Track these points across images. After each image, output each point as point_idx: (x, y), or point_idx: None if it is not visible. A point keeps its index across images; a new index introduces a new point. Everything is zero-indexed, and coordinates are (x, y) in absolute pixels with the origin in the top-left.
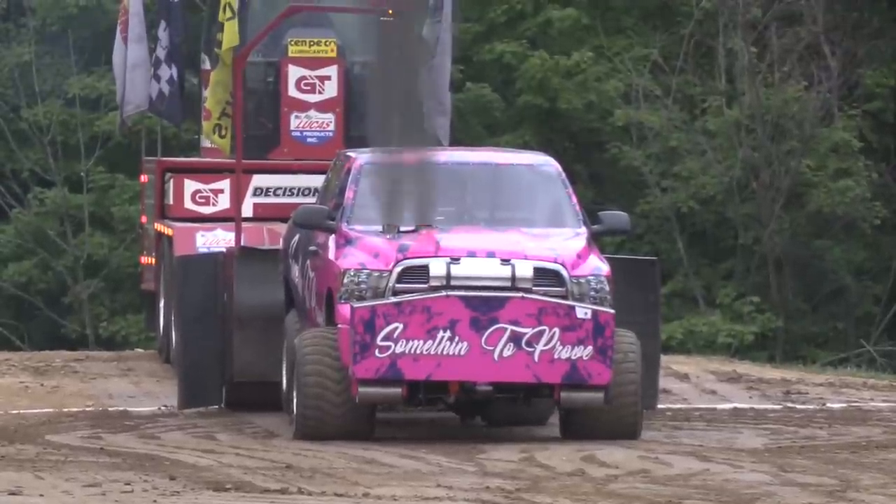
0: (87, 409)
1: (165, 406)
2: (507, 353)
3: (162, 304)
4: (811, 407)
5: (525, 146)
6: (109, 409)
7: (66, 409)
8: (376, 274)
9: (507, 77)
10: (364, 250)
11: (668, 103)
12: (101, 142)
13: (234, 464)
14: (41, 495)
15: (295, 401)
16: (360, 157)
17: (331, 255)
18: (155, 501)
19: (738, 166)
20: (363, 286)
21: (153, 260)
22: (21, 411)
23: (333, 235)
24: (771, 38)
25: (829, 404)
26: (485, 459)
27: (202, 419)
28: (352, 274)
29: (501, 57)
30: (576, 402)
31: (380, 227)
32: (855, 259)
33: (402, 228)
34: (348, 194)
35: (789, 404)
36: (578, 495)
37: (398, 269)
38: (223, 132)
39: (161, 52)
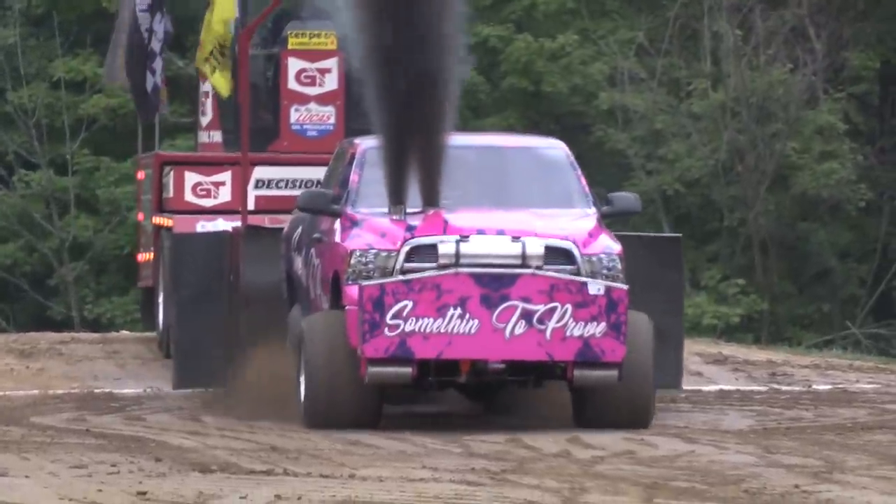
0: (73, 390)
1: (151, 388)
2: (518, 330)
3: (161, 298)
4: (797, 388)
5: (510, 129)
6: (95, 390)
7: (51, 391)
8: (384, 254)
9: (492, 60)
10: (371, 231)
11: (654, 86)
12: (87, 124)
13: (220, 445)
14: (27, 477)
15: (302, 386)
16: (364, 143)
17: (337, 237)
18: (141, 483)
19: (724, 149)
20: (371, 266)
21: (151, 255)
22: (6, 393)
23: (339, 219)
24: (756, 20)
25: (814, 386)
26: (470, 441)
27: (187, 401)
28: (359, 254)
29: (486, 40)
30: (589, 381)
31: (385, 209)
32: (840, 241)
33: (408, 210)
34: (353, 178)
35: (775, 386)
36: (564, 476)
37: (406, 248)
38: (214, 69)
39: (156, 45)
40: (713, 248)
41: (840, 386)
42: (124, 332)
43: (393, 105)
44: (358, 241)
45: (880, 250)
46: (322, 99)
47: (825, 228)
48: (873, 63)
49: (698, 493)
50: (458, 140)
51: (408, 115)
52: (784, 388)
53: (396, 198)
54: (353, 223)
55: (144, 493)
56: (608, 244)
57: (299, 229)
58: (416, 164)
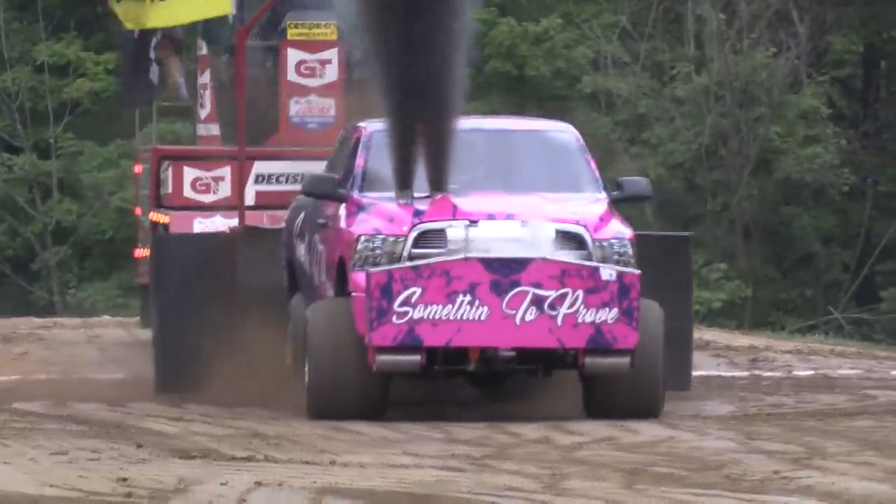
0: (54, 376)
1: (133, 373)
2: (528, 317)
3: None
4: (778, 374)
5: (493, 113)
6: (76, 376)
7: (33, 376)
8: (391, 239)
9: (476, 43)
10: (378, 216)
11: (637, 70)
12: (70, 108)
13: (201, 431)
14: (7, 463)
15: (306, 376)
16: (370, 126)
17: (342, 223)
18: (122, 469)
19: (707, 133)
20: (378, 252)
21: (148, 252)
22: None
23: (344, 204)
24: (740, 4)
25: (796, 371)
26: (451, 427)
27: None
28: (365, 240)
29: None
30: (600, 368)
31: (392, 194)
32: (823, 226)
33: (416, 194)
34: (358, 162)
35: (756, 371)
36: (544, 462)
37: (414, 233)
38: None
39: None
40: (696, 233)
41: (821, 371)
42: (106, 317)
43: (400, 87)
44: (364, 226)
45: (863, 235)
46: (322, 91)
47: (808, 213)
48: (857, 47)
49: (679, 479)
50: (467, 123)
51: (415, 98)
52: (765, 373)
53: (404, 182)
54: (360, 208)
55: (125, 479)
56: (620, 229)
57: (301, 216)
58: (423, 147)
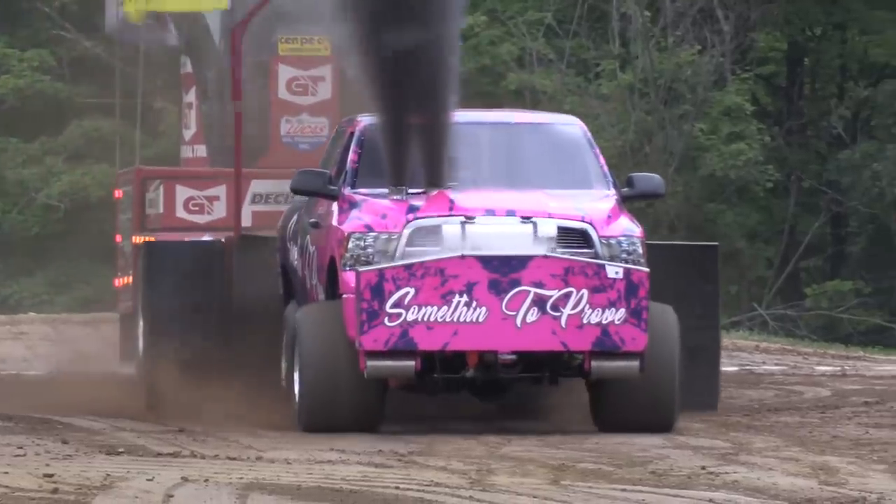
0: None
1: (58, 370)
2: (530, 318)
3: (141, 325)
4: None
5: None
6: (2, 372)
7: None
8: (384, 237)
9: None
10: (370, 212)
11: (562, 67)
12: None
13: (127, 427)
14: None
15: (297, 386)
16: (365, 120)
17: (334, 220)
18: (47, 465)
19: (632, 130)
20: (370, 251)
21: (130, 279)
22: None
23: (336, 202)
24: (664, 1)
25: (721, 367)
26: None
27: (94, 384)
28: (357, 237)
29: None
30: (608, 372)
31: (386, 190)
32: (748, 222)
33: (410, 190)
34: (351, 157)
35: None
36: (472, 458)
37: (408, 230)
38: None
39: None
40: None
41: (747, 367)
42: (32, 314)
43: (391, 77)
44: (356, 222)
45: (787, 231)
46: (315, 109)
47: (733, 210)
48: (780, 44)
49: (605, 475)
50: (468, 116)
51: (407, 88)
52: None
53: (397, 177)
54: (352, 205)
55: (51, 476)
56: (629, 226)
57: (294, 219)
58: (418, 140)
